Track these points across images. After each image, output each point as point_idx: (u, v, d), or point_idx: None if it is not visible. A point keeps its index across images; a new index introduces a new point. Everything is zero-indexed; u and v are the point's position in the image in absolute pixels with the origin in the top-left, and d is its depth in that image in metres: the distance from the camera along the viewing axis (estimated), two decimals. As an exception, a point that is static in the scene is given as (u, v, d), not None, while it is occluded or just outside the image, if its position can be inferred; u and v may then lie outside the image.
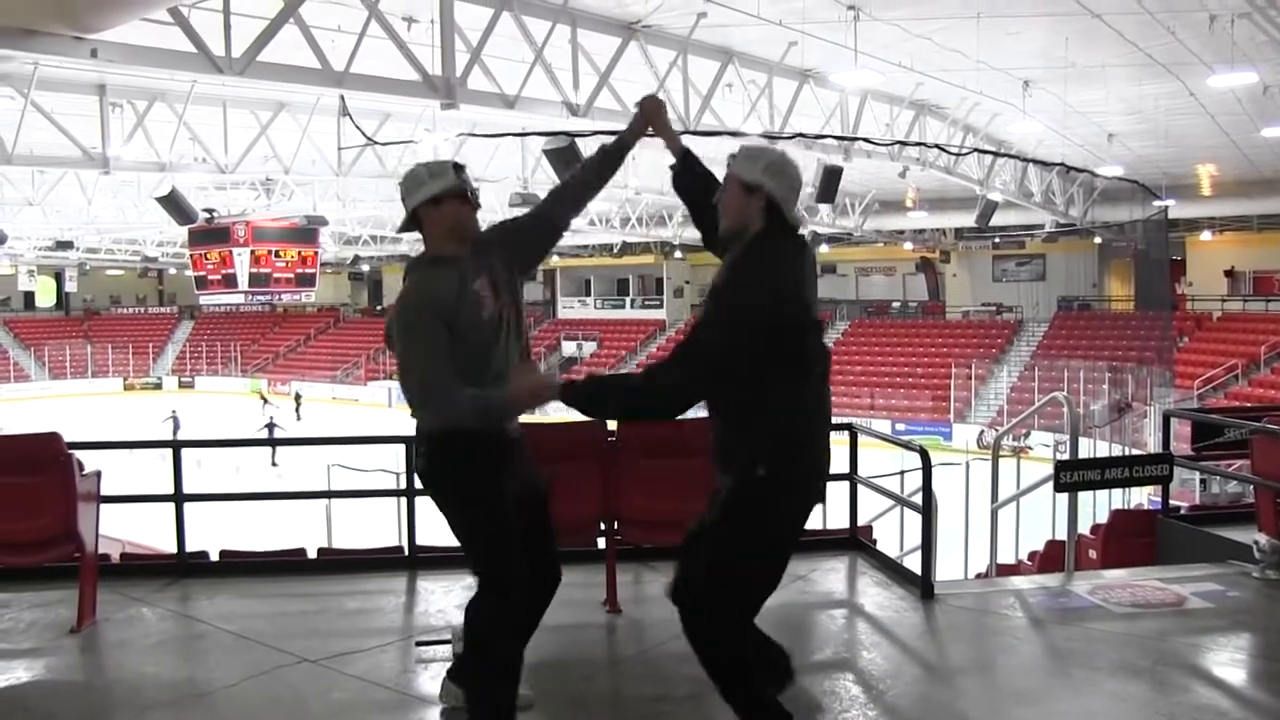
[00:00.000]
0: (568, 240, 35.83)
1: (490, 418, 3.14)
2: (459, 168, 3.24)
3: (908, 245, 35.41)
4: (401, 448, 5.35)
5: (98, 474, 4.59)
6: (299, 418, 35.64)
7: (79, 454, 4.49)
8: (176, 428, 28.18)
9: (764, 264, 2.97)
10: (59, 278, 43.63)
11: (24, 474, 4.35)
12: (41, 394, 43.00)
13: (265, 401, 35.68)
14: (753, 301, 2.92)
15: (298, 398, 38.87)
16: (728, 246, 3.12)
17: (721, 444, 3.07)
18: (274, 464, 21.71)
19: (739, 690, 3.02)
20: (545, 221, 3.44)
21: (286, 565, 5.40)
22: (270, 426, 26.29)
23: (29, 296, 45.95)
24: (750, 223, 3.04)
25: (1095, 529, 7.27)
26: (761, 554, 3.04)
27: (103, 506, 4.65)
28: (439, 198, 3.17)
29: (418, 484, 5.40)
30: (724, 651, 3.01)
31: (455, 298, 3.07)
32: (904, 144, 15.62)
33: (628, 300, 44.36)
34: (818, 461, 3.10)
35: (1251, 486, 6.24)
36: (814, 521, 6.37)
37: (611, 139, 3.57)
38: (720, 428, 3.07)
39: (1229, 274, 32.32)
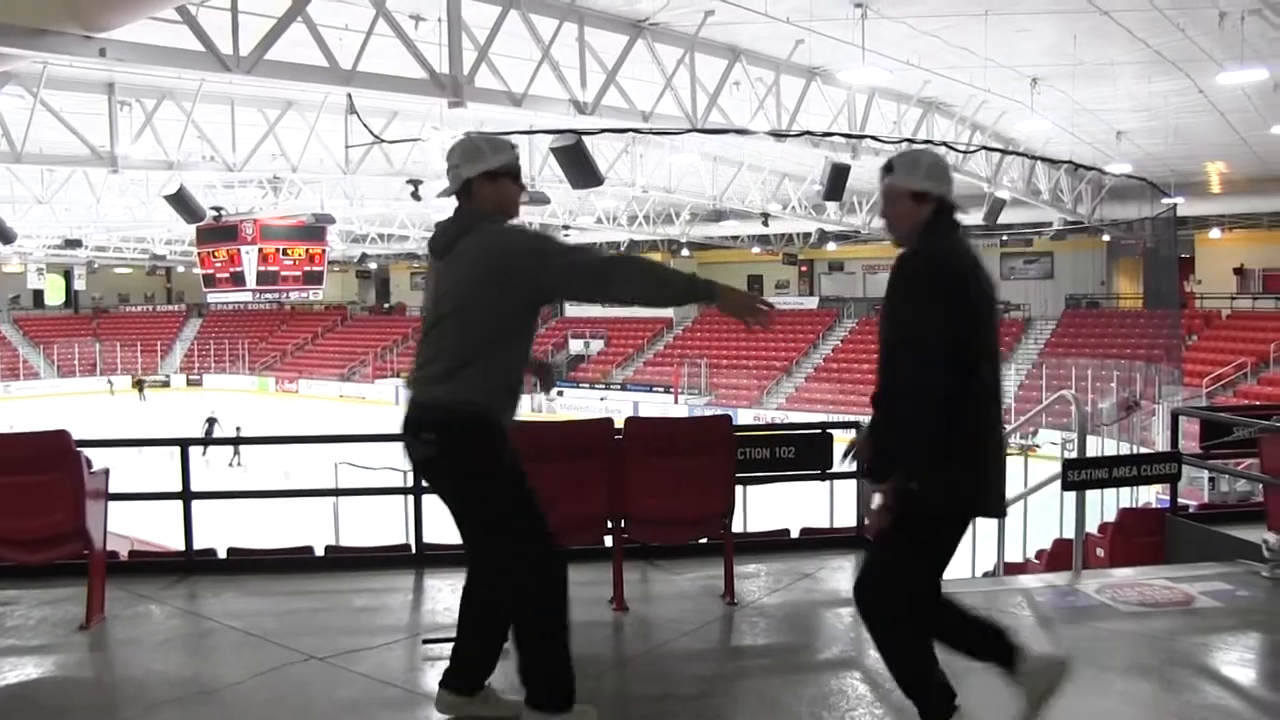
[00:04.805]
0: (574, 238, 35.83)
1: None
2: (516, 147, 3.29)
3: (915, 243, 35.25)
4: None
5: (106, 471, 4.60)
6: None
7: (87, 451, 4.49)
8: (211, 430, 26.26)
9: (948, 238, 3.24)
10: (68, 276, 43.92)
11: (33, 472, 4.35)
12: (50, 392, 43.13)
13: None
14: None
15: (139, 384, 40.13)
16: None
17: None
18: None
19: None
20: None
21: (294, 563, 5.41)
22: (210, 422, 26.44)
23: (38, 295, 46.32)
24: (921, 227, 3.20)
25: (1103, 528, 7.25)
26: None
27: (111, 504, 4.66)
28: (496, 173, 3.20)
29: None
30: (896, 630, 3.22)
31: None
32: (911, 141, 15.55)
33: (635, 298, 44.31)
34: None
35: (1260, 485, 6.23)
36: (821, 519, 6.38)
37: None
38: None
39: (1238, 272, 32.21)
